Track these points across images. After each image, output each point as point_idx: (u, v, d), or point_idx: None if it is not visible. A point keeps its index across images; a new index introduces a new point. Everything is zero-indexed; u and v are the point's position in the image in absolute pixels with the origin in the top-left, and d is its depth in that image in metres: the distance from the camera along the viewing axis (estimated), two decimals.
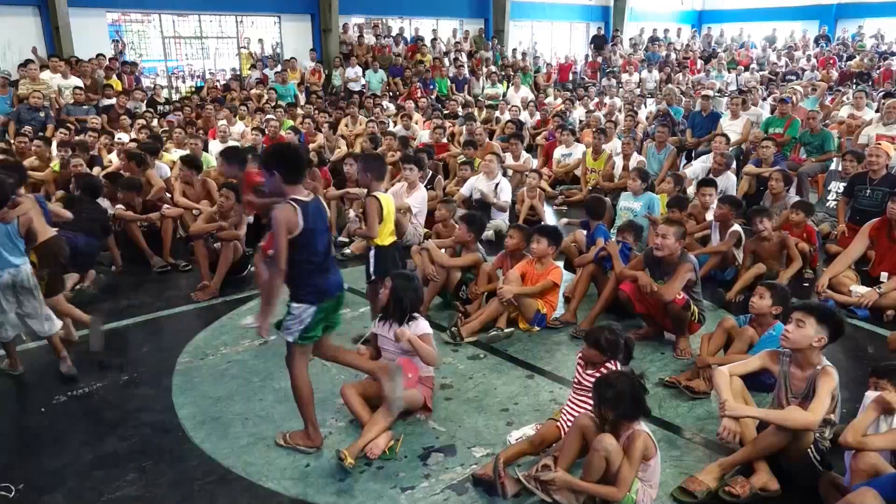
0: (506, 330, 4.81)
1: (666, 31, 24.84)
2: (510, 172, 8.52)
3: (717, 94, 12.79)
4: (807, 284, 5.73)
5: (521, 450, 3.36)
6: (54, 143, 8.27)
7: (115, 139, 9.18)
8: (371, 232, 4.36)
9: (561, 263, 5.77)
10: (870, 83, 16.62)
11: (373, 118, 11.64)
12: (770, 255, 5.60)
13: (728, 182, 7.49)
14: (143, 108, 12.06)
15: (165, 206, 6.79)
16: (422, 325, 3.81)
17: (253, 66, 16.19)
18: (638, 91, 16.38)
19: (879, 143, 6.77)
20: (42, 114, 10.67)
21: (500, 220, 7.46)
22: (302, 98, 14.28)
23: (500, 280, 4.99)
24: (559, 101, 14.84)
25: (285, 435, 3.58)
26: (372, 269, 4.46)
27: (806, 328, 3.12)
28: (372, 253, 4.48)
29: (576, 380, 3.52)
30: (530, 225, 7.53)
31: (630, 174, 6.95)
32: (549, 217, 8.29)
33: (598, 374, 3.37)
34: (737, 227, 5.84)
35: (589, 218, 5.76)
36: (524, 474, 3.09)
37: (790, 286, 5.12)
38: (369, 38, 17.87)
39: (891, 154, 6.63)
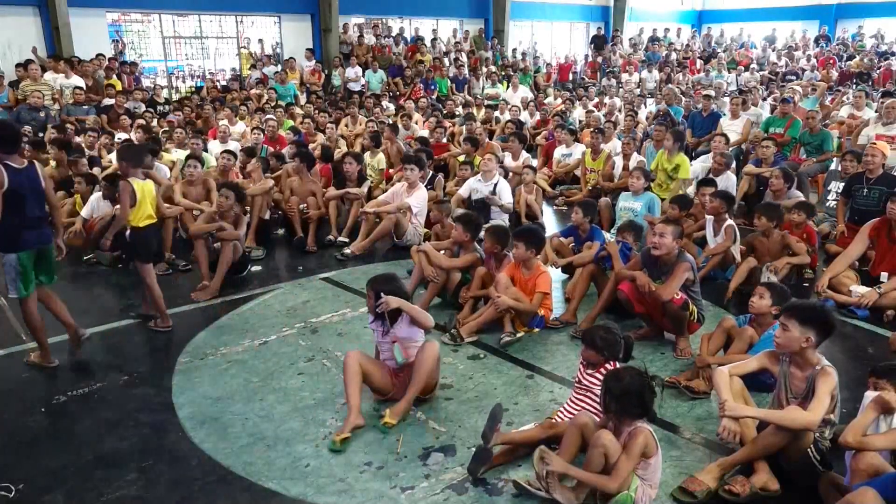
0: (518, 334, 4.76)
1: (666, 31, 24.85)
2: (510, 174, 8.51)
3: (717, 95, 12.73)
4: (807, 284, 5.73)
5: (512, 437, 3.41)
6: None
7: (115, 139, 9.19)
8: (122, 213, 4.75)
9: (558, 270, 5.78)
10: (870, 83, 16.63)
11: (373, 118, 11.65)
12: (768, 253, 5.57)
13: (728, 182, 7.48)
14: (143, 108, 12.06)
15: (165, 205, 6.78)
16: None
17: (253, 66, 16.20)
18: (638, 91, 16.38)
19: (875, 143, 6.80)
20: (42, 114, 10.68)
21: (500, 221, 7.45)
22: (302, 98, 14.28)
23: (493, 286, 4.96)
24: (559, 101, 14.84)
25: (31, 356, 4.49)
26: (127, 249, 4.96)
27: (791, 331, 3.13)
28: (128, 234, 4.84)
29: (577, 379, 3.54)
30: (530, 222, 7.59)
31: (633, 173, 6.93)
32: (548, 215, 8.30)
33: (598, 375, 3.40)
34: (731, 221, 5.83)
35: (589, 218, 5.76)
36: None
37: (787, 283, 5.14)
38: (369, 38, 17.88)
39: (886, 153, 6.65)
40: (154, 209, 4.94)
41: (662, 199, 7.12)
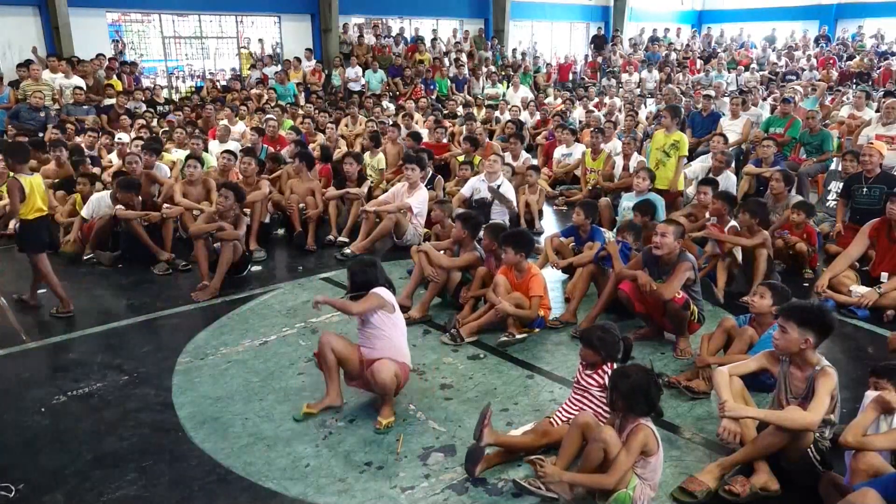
0: (518, 336, 4.74)
1: (666, 31, 24.85)
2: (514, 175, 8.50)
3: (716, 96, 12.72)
4: (807, 284, 5.73)
5: (504, 441, 3.39)
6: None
7: (115, 139, 9.18)
8: (13, 208, 5.01)
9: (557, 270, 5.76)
10: (870, 83, 16.64)
11: (373, 118, 11.64)
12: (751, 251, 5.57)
13: (728, 181, 7.48)
14: (143, 108, 12.06)
15: (165, 205, 6.79)
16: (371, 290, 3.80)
17: (253, 66, 16.20)
18: (638, 91, 16.38)
19: (872, 143, 6.82)
20: (42, 114, 10.67)
21: (501, 221, 7.44)
22: (302, 98, 14.29)
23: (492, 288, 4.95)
24: (559, 101, 14.84)
25: None
26: (18, 241, 5.27)
27: (789, 333, 3.13)
28: (18, 226, 5.24)
29: (575, 379, 3.54)
30: (528, 223, 7.60)
31: (639, 173, 6.92)
32: (548, 216, 8.30)
33: (595, 376, 3.40)
34: (734, 222, 5.84)
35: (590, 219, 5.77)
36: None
37: (771, 277, 5.14)
38: (369, 38, 17.88)
39: (883, 153, 6.68)
40: (44, 202, 5.14)
41: (659, 192, 7.13)
